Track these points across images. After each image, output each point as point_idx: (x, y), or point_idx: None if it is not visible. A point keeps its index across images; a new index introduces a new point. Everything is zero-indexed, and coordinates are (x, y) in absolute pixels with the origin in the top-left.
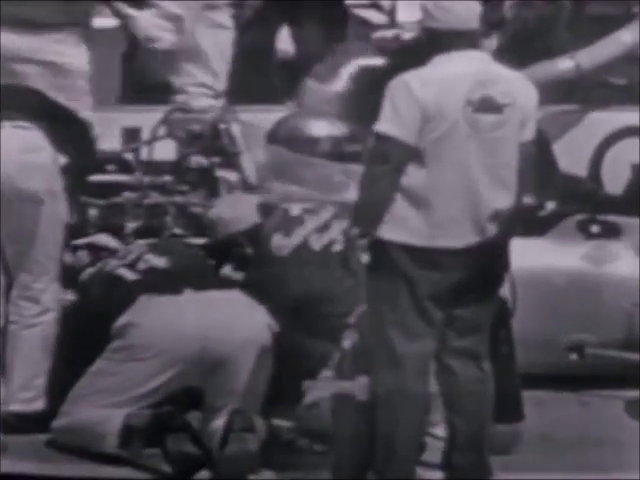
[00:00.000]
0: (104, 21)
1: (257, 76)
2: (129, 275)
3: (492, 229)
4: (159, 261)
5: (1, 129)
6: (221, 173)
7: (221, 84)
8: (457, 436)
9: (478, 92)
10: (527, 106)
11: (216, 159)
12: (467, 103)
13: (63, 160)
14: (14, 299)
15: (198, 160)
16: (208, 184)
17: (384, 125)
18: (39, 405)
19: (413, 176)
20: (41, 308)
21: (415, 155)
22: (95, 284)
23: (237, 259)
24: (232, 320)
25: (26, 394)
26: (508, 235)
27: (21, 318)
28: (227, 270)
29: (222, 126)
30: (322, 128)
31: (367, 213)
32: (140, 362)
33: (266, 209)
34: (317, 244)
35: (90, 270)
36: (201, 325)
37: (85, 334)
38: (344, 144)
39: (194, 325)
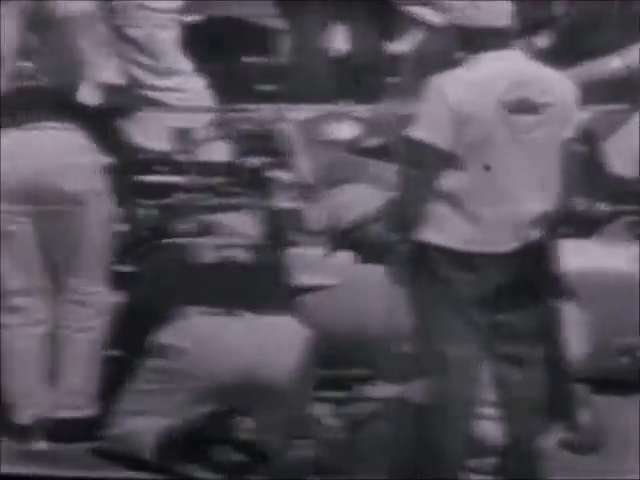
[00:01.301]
0: None
1: (310, 75)
2: (207, 256)
3: (533, 233)
4: (242, 257)
5: (39, 131)
6: (274, 174)
7: None
8: (509, 441)
9: (514, 93)
10: (567, 104)
11: (269, 159)
12: (502, 105)
13: (105, 160)
14: (63, 303)
15: (251, 161)
16: (261, 185)
17: (417, 130)
18: (89, 411)
19: (451, 179)
20: (91, 312)
21: (451, 159)
22: (174, 245)
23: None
24: (280, 350)
25: (76, 400)
26: (552, 238)
27: (71, 322)
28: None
29: (275, 126)
30: (341, 130)
31: (402, 217)
32: (180, 388)
33: None
34: None
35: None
36: (247, 356)
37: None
38: (362, 142)
39: (240, 356)
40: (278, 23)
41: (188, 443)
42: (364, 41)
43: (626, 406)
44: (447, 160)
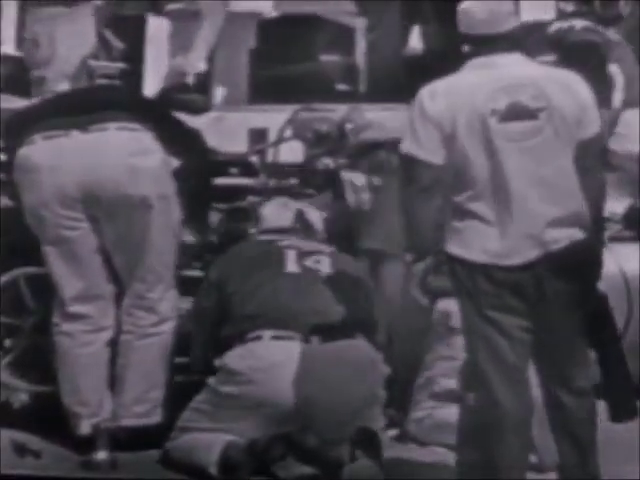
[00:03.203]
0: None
1: (386, 74)
2: (291, 265)
3: (554, 241)
4: (324, 266)
5: (105, 132)
6: (347, 175)
7: None
8: (563, 451)
9: (503, 100)
10: (574, 104)
11: (342, 160)
12: (491, 113)
13: (175, 163)
14: (128, 309)
15: (325, 162)
16: (334, 187)
17: (405, 144)
18: (155, 419)
19: (457, 192)
20: (158, 318)
21: (447, 172)
22: (252, 252)
23: (374, 166)
24: (348, 380)
25: (141, 408)
26: (589, 246)
27: (136, 328)
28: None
29: (349, 126)
30: None
31: (410, 237)
32: (244, 414)
33: None
34: None
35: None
36: (316, 384)
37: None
38: None
39: (307, 384)
40: (356, 22)
41: (252, 457)
42: (440, 40)
43: None
44: (439, 174)
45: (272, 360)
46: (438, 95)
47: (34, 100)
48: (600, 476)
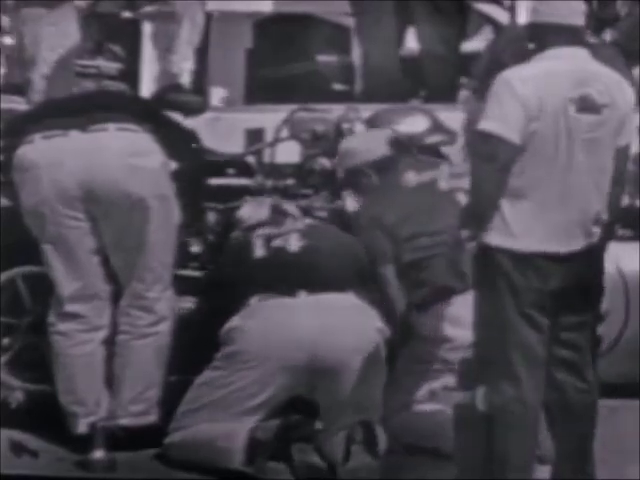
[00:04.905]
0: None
1: (382, 74)
2: (258, 251)
3: (597, 233)
4: (295, 244)
5: (104, 132)
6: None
7: None
8: (562, 446)
9: (578, 90)
10: (624, 108)
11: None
12: (569, 101)
13: (173, 164)
14: (125, 308)
15: (322, 162)
16: (331, 187)
17: (489, 124)
18: (152, 418)
19: (516, 178)
20: (155, 317)
21: (521, 155)
22: (229, 249)
23: (361, 188)
24: (343, 327)
25: (137, 407)
26: (605, 242)
27: (133, 328)
28: (348, 201)
29: (345, 126)
30: (408, 125)
31: (475, 214)
32: (248, 371)
33: (399, 144)
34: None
35: (238, 233)
36: (311, 333)
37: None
38: (424, 137)
39: (303, 332)
40: (352, 21)
41: (282, 435)
42: (435, 41)
43: None
44: (517, 154)
45: (264, 315)
46: (526, 79)
47: (29, 101)
48: (595, 475)
